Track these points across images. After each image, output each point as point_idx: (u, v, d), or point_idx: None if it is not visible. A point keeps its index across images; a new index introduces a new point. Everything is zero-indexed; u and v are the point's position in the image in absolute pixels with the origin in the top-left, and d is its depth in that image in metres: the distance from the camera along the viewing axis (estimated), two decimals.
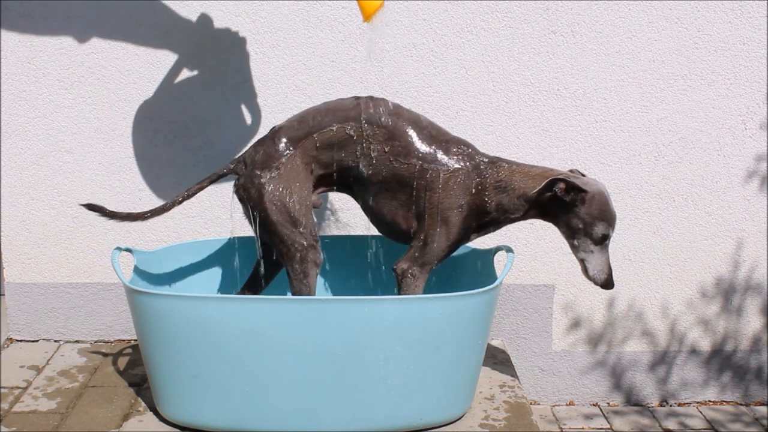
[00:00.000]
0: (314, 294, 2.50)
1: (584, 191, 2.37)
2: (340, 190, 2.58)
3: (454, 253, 2.76)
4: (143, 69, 3.03)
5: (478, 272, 2.70)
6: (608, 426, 3.20)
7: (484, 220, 2.48)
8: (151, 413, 2.57)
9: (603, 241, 2.41)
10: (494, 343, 3.16)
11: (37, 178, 3.10)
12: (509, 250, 2.56)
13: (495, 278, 2.56)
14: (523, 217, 2.48)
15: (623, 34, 3.06)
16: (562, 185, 2.37)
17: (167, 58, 3.03)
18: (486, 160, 2.48)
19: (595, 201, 2.38)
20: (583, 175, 2.49)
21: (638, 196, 3.19)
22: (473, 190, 2.44)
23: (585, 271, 2.46)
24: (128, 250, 2.60)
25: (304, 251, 2.45)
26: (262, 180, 2.43)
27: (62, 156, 3.08)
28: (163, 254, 2.71)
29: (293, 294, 2.48)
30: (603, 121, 3.13)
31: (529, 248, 3.20)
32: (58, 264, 3.17)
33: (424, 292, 2.53)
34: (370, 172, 2.48)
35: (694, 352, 3.33)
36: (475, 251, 2.73)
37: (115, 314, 3.19)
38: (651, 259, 3.24)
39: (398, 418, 2.42)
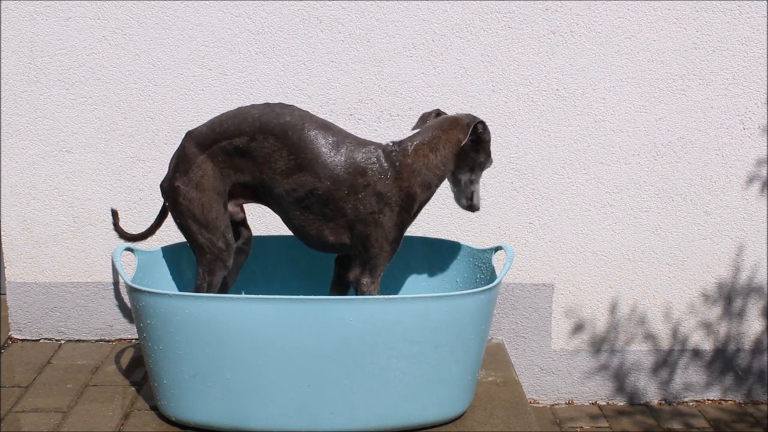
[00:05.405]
0: (214, 292, 2.51)
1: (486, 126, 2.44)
2: (261, 202, 2.53)
3: (454, 253, 2.77)
4: (143, 69, 3.04)
5: (478, 271, 2.70)
6: (608, 425, 3.20)
7: (414, 205, 2.44)
8: (152, 412, 2.58)
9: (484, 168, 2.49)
10: (494, 342, 3.17)
11: (38, 177, 3.10)
12: (508, 249, 2.57)
13: (494, 277, 2.57)
14: (437, 185, 2.48)
15: (622, 34, 3.07)
16: (480, 126, 2.41)
17: (167, 58, 3.04)
18: (395, 147, 2.44)
19: (488, 132, 2.46)
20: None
21: (637, 196, 3.19)
22: (393, 184, 2.40)
23: (470, 199, 2.49)
24: (130, 249, 2.62)
25: (213, 253, 2.48)
26: (176, 183, 2.47)
27: (63, 156, 3.09)
28: (164, 254, 2.72)
29: (194, 288, 2.52)
30: (602, 120, 3.13)
31: (529, 247, 3.21)
32: (59, 263, 3.17)
33: (425, 292, 2.53)
34: (282, 188, 2.42)
35: (694, 350, 3.33)
36: (474, 250, 2.73)
37: (116, 313, 3.20)
38: (650, 258, 3.25)
39: (398, 417, 2.43)
